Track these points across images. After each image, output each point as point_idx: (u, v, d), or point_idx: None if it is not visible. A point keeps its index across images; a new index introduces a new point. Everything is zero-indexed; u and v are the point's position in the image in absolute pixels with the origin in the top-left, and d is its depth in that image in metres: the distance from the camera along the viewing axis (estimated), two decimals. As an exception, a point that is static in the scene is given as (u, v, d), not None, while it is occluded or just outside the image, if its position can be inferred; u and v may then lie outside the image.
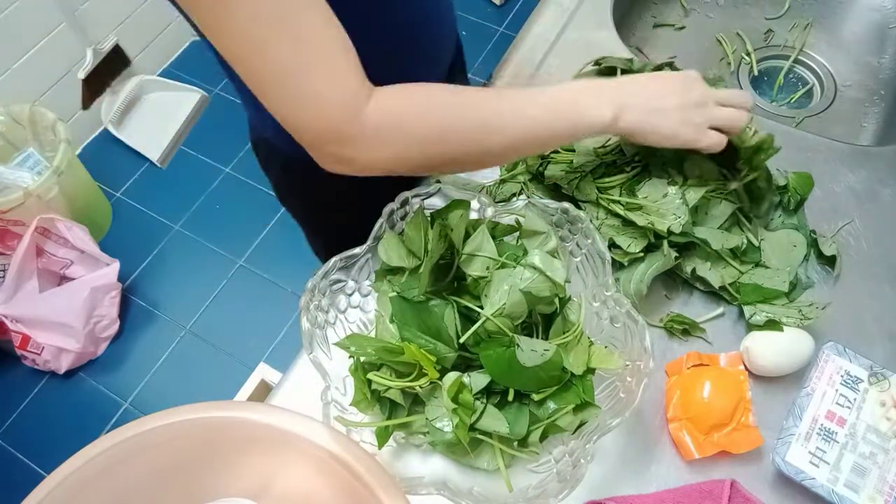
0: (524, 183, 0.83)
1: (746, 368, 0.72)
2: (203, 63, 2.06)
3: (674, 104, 0.66)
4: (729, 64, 1.16)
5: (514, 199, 0.82)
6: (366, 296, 0.74)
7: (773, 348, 0.72)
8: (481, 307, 0.65)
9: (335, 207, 0.90)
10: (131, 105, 2.18)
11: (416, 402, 0.66)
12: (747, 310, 0.75)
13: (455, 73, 0.93)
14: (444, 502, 0.63)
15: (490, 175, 0.85)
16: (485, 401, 0.65)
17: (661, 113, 0.66)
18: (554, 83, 0.67)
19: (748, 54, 1.16)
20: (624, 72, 0.86)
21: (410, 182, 0.75)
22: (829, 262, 0.80)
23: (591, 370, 0.66)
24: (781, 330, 0.72)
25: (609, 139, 0.79)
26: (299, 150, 0.59)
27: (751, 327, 0.75)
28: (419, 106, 0.56)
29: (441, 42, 0.84)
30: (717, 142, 0.69)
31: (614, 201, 0.75)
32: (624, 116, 0.64)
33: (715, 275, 0.77)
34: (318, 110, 0.53)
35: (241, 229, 1.98)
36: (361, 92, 0.54)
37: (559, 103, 0.63)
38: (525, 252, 0.67)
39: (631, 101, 0.65)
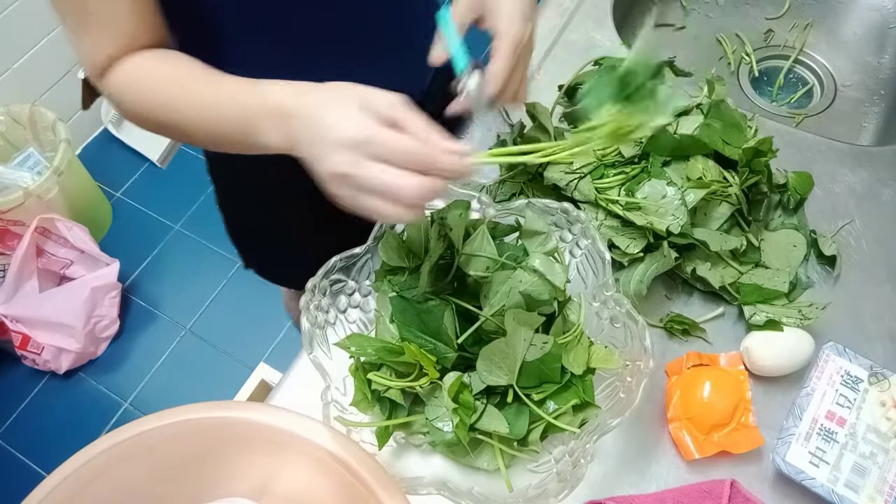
0: (524, 184, 0.83)
1: (746, 368, 0.72)
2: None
3: (332, 166, 0.53)
4: (729, 64, 1.16)
5: (514, 199, 0.82)
6: (366, 296, 0.74)
7: (773, 348, 0.72)
8: (480, 308, 0.65)
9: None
10: (131, 105, 2.18)
11: (416, 402, 0.66)
12: (747, 310, 0.75)
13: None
14: (444, 502, 0.63)
15: (490, 175, 0.85)
16: (485, 401, 0.65)
17: (321, 167, 0.55)
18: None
19: (748, 54, 1.16)
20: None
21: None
22: (829, 262, 0.80)
23: (591, 370, 0.66)
24: (781, 330, 0.72)
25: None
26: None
27: (751, 327, 0.75)
28: (131, 92, 0.66)
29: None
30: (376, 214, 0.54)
31: (613, 201, 0.75)
32: (297, 149, 0.57)
33: (715, 275, 0.77)
34: (83, 63, 0.67)
35: (242, 229, 1.98)
36: (98, 69, 0.66)
37: (238, 118, 0.60)
38: (525, 252, 0.67)
39: (303, 146, 0.56)
